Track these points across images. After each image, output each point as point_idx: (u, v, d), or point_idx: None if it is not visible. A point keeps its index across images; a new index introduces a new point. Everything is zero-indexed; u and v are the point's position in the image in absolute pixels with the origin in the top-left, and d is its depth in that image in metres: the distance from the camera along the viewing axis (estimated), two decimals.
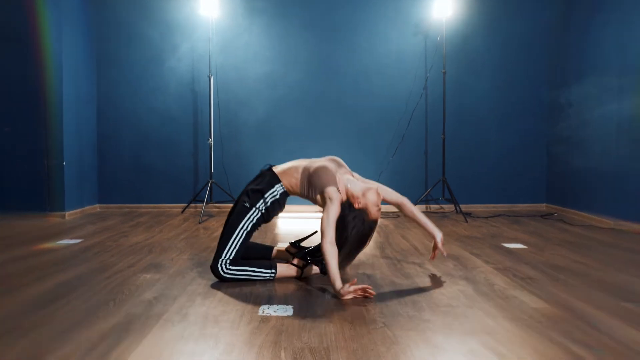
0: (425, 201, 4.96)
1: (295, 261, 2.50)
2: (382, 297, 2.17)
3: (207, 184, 4.57)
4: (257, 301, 2.10)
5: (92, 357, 1.54)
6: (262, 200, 2.41)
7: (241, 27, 4.93)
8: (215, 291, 2.25)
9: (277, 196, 2.45)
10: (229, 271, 2.35)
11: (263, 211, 2.42)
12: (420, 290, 2.28)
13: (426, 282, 2.42)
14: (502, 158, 5.06)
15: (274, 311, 1.98)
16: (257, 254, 2.68)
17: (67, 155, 4.46)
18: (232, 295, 2.19)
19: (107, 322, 1.85)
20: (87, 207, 4.82)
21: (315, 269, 2.51)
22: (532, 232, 3.81)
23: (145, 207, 5.00)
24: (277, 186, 2.45)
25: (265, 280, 2.40)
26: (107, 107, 4.98)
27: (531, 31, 5.02)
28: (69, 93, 4.47)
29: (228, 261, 2.35)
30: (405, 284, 2.39)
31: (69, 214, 4.47)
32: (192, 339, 1.70)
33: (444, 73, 4.69)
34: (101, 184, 5.04)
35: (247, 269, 2.38)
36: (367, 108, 4.98)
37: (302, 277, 2.46)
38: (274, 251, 2.76)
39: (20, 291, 2.23)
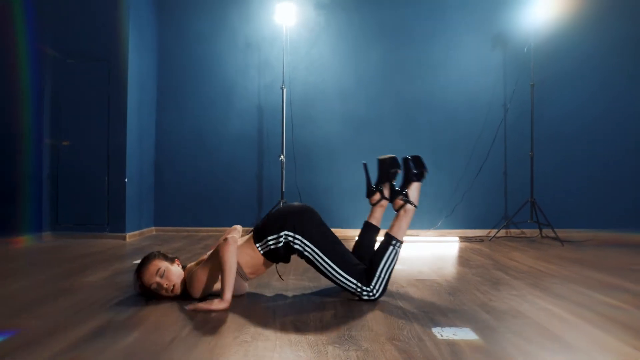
0: (505, 225, 4.59)
1: (386, 193, 2.36)
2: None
3: (279, 203, 4.26)
4: (420, 320, 1.76)
5: None
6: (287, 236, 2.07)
7: (313, 38, 4.71)
8: (353, 303, 1.92)
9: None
10: (375, 287, 2.04)
11: (293, 239, 2.06)
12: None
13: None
14: (593, 179, 4.65)
15: (454, 334, 1.63)
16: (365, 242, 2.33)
17: (129, 172, 4.20)
18: (383, 311, 1.85)
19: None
20: (145, 230, 4.52)
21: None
22: None
23: (205, 230, 4.68)
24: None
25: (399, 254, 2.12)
26: (168, 120, 4.74)
27: (636, 36, 4.61)
28: (132, 103, 4.25)
29: (363, 283, 2.04)
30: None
31: (129, 236, 4.17)
32: None
33: (532, 86, 4.39)
34: (157, 206, 4.75)
35: (382, 269, 2.05)
36: (442, 124, 4.68)
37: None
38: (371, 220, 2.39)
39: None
